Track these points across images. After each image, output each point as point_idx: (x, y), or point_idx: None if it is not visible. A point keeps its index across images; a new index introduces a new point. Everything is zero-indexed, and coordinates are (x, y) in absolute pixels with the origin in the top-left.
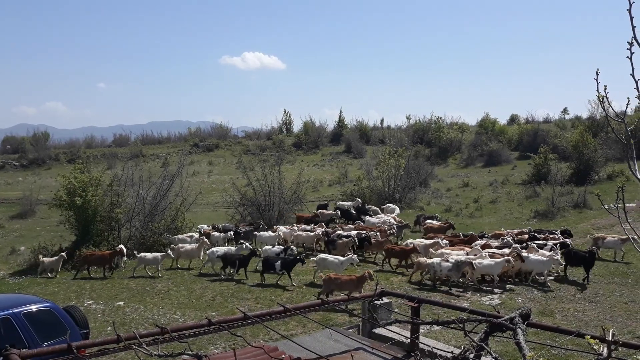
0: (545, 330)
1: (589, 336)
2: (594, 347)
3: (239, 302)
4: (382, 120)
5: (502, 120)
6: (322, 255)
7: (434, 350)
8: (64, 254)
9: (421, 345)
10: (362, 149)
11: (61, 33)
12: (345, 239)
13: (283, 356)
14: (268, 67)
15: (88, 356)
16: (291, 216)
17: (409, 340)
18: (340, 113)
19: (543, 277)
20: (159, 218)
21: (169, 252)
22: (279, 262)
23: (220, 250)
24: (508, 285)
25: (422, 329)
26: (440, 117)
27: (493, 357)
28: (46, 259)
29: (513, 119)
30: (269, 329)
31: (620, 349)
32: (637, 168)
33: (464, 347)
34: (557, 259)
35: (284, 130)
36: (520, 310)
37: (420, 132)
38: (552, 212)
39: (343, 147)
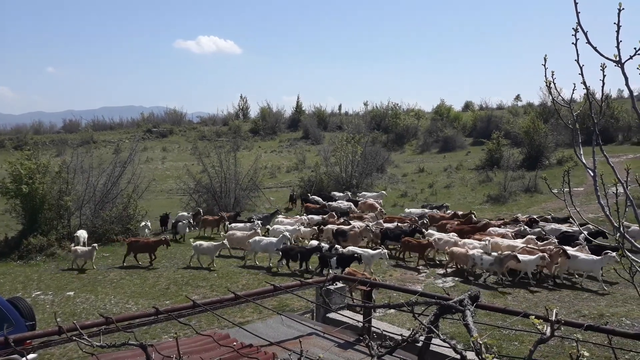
0: (494, 311)
1: (533, 316)
2: (538, 327)
3: (194, 290)
4: (340, 107)
5: (457, 106)
6: (351, 248)
7: (384, 333)
8: (96, 244)
9: (373, 329)
10: (319, 135)
11: (6, 16)
12: (356, 229)
13: (234, 343)
14: (224, 51)
15: (31, 349)
16: (247, 203)
17: (362, 324)
18: (298, 99)
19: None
20: (111, 206)
21: (225, 241)
22: (335, 258)
23: (264, 240)
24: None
25: (378, 313)
26: (397, 104)
27: (442, 339)
28: (79, 248)
29: (467, 106)
30: (218, 316)
31: (562, 328)
32: (582, 152)
33: (414, 330)
34: (613, 256)
35: (240, 116)
36: (469, 293)
37: (378, 119)
38: (504, 197)
39: (301, 133)
